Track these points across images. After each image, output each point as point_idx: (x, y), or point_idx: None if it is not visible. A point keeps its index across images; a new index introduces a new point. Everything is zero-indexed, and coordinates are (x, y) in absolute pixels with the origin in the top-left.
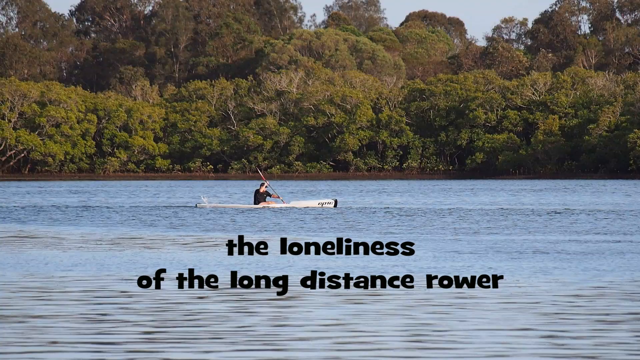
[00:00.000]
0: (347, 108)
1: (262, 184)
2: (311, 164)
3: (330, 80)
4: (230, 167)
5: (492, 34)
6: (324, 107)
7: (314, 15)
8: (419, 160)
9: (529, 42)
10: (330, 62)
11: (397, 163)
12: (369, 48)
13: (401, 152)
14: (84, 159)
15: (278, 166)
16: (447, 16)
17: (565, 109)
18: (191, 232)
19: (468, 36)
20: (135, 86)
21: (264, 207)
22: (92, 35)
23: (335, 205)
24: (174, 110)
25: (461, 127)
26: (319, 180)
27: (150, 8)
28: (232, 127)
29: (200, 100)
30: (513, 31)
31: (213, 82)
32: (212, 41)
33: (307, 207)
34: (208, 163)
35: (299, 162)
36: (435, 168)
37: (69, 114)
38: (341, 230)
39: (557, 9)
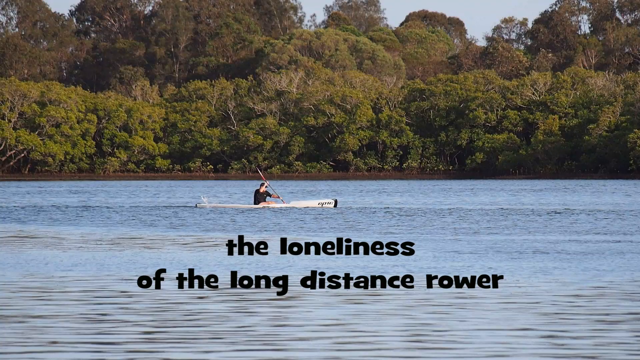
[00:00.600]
0: (347, 108)
1: (262, 184)
2: (311, 164)
3: (330, 80)
4: (230, 167)
5: (492, 34)
6: (324, 107)
7: (314, 15)
8: (419, 160)
9: (529, 42)
10: (330, 62)
11: (397, 163)
12: (369, 48)
13: (401, 152)
14: (84, 159)
15: (278, 166)
16: (447, 16)
17: (565, 109)
18: (191, 232)
19: (468, 36)
20: (135, 86)
21: (264, 207)
22: (92, 35)
23: (335, 205)
24: (174, 110)
25: (461, 127)
26: (319, 180)
27: (150, 8)
28: (232, 127)
29: (200, 100)
30: (513, 31)
31: (213, 82)
32: (212, 41)
33: (307, 207)
34: (208, 163)
35: (299, 162)
36: (435, 168)
37: (69, 114)
38: (341, 230)
39: (557, 9)
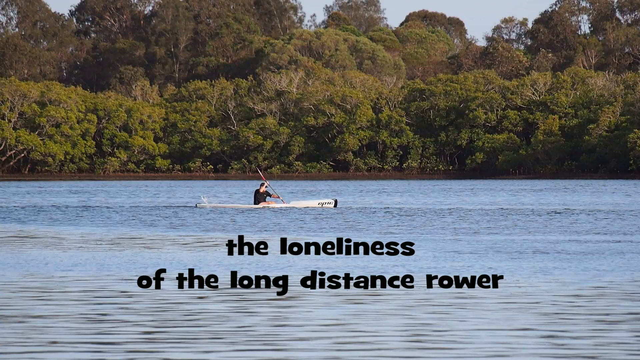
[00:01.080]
0: (347, 108)
1: (262, 184)
2: (311, 164)
3: (330, 80)
4: (230, 167)
5: (492, 34)
6: (324, 107)
7: (314, 15)
8: (419, 160)
9: (529, 42)
10: (330, 62)
11: (397, 163)
12: (369, 48)
13: (401, 152)
14: (84, 159)
15: (278, 166)
16: (447, 16)
17: (565, 109)
18: (191, 232)
19: (468, 36)
20: (136, 86)
21: (264, 207)
22: (92, 35)
23: (335, 205)
24: (174, 110)
25: (461, 127)
26: (319, 180)
27: (150, 8)
28: (232, 127)
29: (200, 100)
30: (513, 31)
31: (213, 82)
32: (212, 41)
33: (307, 207)
34: (208, 163)
35: (299, 162)
36: (435, 168)
37: (69, 114)
38: (341, 230)
39: (557, 9)
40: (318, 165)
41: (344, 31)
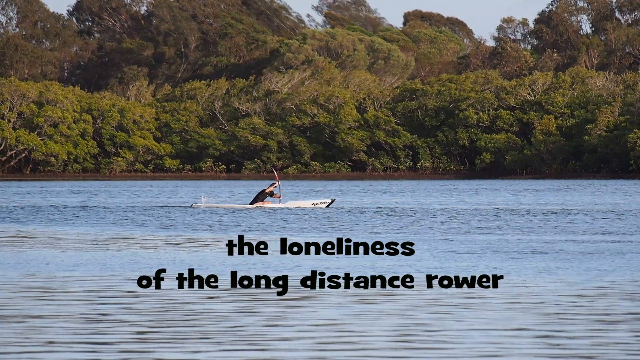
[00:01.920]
0: (360, 108)
1: (272, 184)
2: (329, 164)
3: (345, 81)
4: (243, 167)
5: (498, 33)
6: (332, 108)
7: (309, 15)
8: (431, 161)
9: (535, 42)
10: (345, 62)
11: (411, 163)
12: (384, 48)
13: (411, 153)
14: (88, 159)
15: (294, 166)
16: (446, 16)
17: (561, 109)
18: (191, 232)
19: (476, 36)
20: (132, 86)
21: (256, 207)
22: (96, 35)
23: (328, 206)
24: (163, 110)
25: (455, 128)
26: (335, 180)
27: (145, 8)
28: (223, 127)
29: (189, 101)
30: (518, 31)
31: (210, 82)
32: (223, 41)
33: (299, 207)
34: (220, 163)
35: (315, 162)
36: (447, 168)
37: (65, 114)
38: (341, 231)
39: (554, 9)
40: (337, 166)
41: (354, 31)
